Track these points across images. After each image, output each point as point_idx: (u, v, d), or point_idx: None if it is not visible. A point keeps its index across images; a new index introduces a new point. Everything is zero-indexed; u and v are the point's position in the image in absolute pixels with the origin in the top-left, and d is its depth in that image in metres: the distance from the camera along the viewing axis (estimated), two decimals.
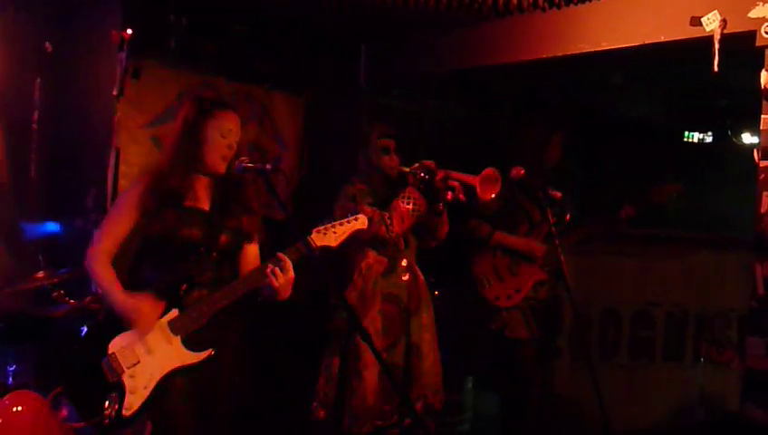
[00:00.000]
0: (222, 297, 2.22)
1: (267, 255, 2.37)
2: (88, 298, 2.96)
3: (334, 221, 2.35)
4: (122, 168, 3.71)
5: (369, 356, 2.90)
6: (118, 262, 2.29)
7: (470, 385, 4.10)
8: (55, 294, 2.86)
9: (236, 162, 2.29)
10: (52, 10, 3.90)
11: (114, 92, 3.64)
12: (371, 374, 2.94)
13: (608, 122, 5.31)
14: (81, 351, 2.30)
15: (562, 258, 3.04)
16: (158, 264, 2.28)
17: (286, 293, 2.28)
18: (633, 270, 4.17)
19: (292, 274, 2.25)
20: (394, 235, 2.96)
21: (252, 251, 2.41)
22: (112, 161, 3.70)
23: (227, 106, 2.38)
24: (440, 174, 2.98)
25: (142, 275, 2.29)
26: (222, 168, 2.29)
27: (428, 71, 4.13)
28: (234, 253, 2.36)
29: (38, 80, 4.05)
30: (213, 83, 4.03)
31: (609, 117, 5.33)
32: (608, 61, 3.56)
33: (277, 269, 2.22)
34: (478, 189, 2.95)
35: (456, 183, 2.98)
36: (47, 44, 4.05)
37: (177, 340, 2.19)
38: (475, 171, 3.00)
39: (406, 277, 3.12)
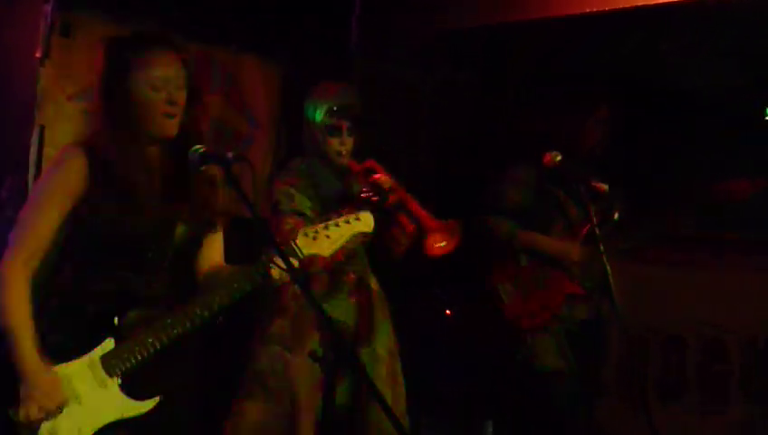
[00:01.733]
0: (176, 323, 2.08)
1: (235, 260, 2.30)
2: None
3: (328, 221, 2.20)
4: (47, 150, 3.67)
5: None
6: (41, 271, 2.15)
7: (490, 430, 4.10)
8: None
9: (191, 151, 2.10)
10: None
11: (37, 54, 3.67)
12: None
13: (666, 97, 5.29)
14: None
15: (608, 268, 3.03)
16: (88, 272, 2.14)
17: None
18: (702, 285, 4.12)
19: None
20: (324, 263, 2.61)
21: (215, 245, 2.31)
22: (34, 142, 3.69)
23: (154, 43, 2.17)
24: (392, 199, 2.89)
25: (64, 284, 2.15)
26: (168, 129, 2.14)
27: (436, 30, 4.13)
28: (192, 250, 2.27)
29: None
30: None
31: (667, 89, 5.30)
32: (663, 18, 3.56)
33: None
34: (428, 238, 2.92)
35: (405, 219, 2.93)
36: None
37: (114, 382, 2.06)
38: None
39: (353, 300, 3.05)
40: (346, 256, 2.96)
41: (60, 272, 2.18)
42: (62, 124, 3.75)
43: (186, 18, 3.97)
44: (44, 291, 2.13)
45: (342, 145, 3.00)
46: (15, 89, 3.81)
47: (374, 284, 3.14)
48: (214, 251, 2.32)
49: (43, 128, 3.71)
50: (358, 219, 2.21)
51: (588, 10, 3.54)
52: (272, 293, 2.96)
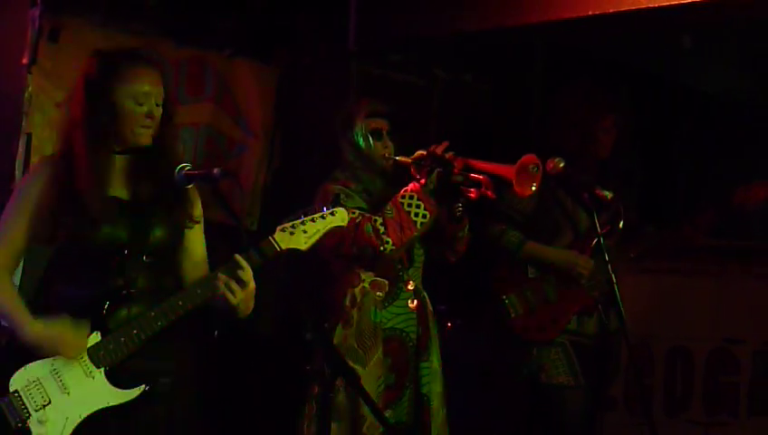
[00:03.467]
0: (160, 315, 2.21)
1: (221, 261, 2.36)
2: None
3: (304, 217, 2.32)
4: (34, 158, 3.68)
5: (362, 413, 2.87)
6: (24, 279, 2.39)
7: None
8: None
9: (176, 171, 2.28)
10: None
11: (24, 60, 3.68)
12: None
13: (678, 96, 5.27)
14: None
15: (614, 278, 3.03)
16: (73, 275, 2.27)
17: (248, 309, 2.29)
18: (710, 296, 4.15)
19: (252, 284, 2.25)
20: (390, 249, 2.92)
21: (196, 239, 2.42)
22: (21, 151, 3.71)
23: (141, 60, 2.34)
24: (458, 164, 2.94)
25: (54, 292, 2.29)
26: (144, 139, 2.28)
27: (441, 33, 4.13)
28: (171, 250, 2.37)
29: None
30: (155, 47, 4.05)
31: (680, 89, 5.27)
32: (678, 17, 3.56)
33: (232, 282, 2.21)
34: (515, 182, 2.91)
35: (481, 176, 2.95)
36: None
37: (101, 373, 2.19)
38: (498, 162, 2.99)
39: (413, 305, 3.10)
40: (406, 263, 3.08)
41: (50, 283, 2.31)
42: (49, 132, 3.74)
43: (178, 22, 4.02)
44: (34, 304, 2.27)
45: (386, 148, 3.08)
46: (1, 96, 3.84)
47: (426, 296, 3.20)
48: (195, 244, 2.43)
49: (29, 136, 3.74)
50: (333, 214, 2.35)
51: (591, 12, 3.54)
52: (330, 300, 3.06)
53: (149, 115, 2.26)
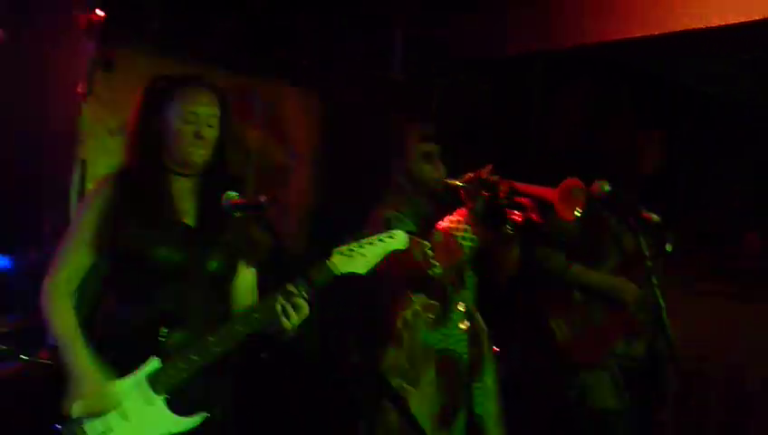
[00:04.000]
0: (218, 341, 2.22)
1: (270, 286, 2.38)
2: (43, 352, 3.02)
3: (361, 240, 2.32)
4: (89, 184, 3.82)
5: None
6: (85, 292, 2.33)
7: None
8: (4, 347, 2.98)
9: (224, 198, 2.29)
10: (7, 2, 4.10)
11: (80, 90, 3.83)
12: None
13: (720, 109, 5.14)
14: (31, 414, 2.36)
15: (662, 302, 3.01)
16: (130, 296, 2.29)
17: (296, 331, 2.30)
18: (761, 318, 4.06)
19: (306, 309, 2.26)
20: (439, 273, 2.90)
21: (247, 276, 2.44)
22: (76, 177, 3.84)
23: (192, 81, 2.38)
24: (504, 187, 2.93)
25: (108, 312, 2.31)
26: (194, 158, 2.30)
27: (487, 56, 4.16)
28: (227, 277, 2.39)
29: None
30: (207, 75, 4.15)
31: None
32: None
33: (289, 306, 2.23)
34: (557, 206, 2.90)
35: (525, 199, 2.95)
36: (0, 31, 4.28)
37: (161, 400, 2.20)
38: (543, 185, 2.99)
39: (465, 326, 3.11)
40: (457, 286, 3.08)
41: (104, 302, 2.33)
42: (103, 159, 3.90)
43: (225, 50, 4.13)
44: (91, 320, 2.30)
45: (437, 171, 3.10)
46: (58, 125, 3.99)
47: (480, 318, 3.21)
48: (247, 280, 2.44)
49: (84, 163, 3.88)
50: (391, 237, 2.36)
51: (638, 34, 3.57)
52: (381, 323, 3.07)
53: (198, 135, 2.28)
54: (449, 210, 3.02)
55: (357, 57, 4.47)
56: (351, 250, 2.30)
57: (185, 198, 2.35)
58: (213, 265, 2.32)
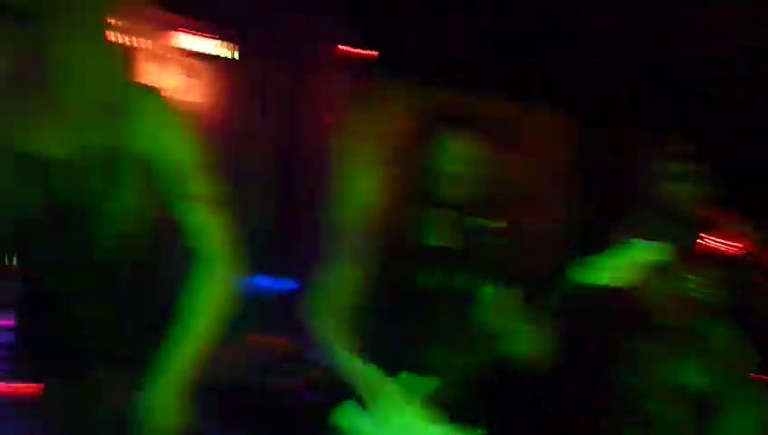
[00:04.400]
0: (475, 357, 2.32)
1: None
2: (320, 369, 3.33)
3: (615, 255, 2.32)
4: (347, 213, 4.09)
5: None
6: (349, 319, 2.46)
7: None
8: (286, 363, 3.29)
9: (479, 224, 2.38)
10: (276, 32, 4.51)
11: (340, 121, 4.16)
12: None
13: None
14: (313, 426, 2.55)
15: None
16: (393, 319, 2.42)
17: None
18: None
19: (550, 328, 2.30)
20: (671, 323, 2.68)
21: (502, 297, 2.47)
22: (335, 202, 4.13)
23: (458, 122, 2.48)
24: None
25: (375, 333, 2.44)
26: (459, 196, 2.39)
27: None
28: (484, 300, 2.44)
29: (264, 115, 4.75)
30: (459, 102, 4.31)
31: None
32: None
33: (539, 325, 2.27)
34: None
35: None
36: (274, 73, 4.71)
37: (422, 411, 2.31)
38: None
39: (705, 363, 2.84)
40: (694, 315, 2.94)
41: (371, 325, 2.42)
42: (362, 187, 4.15)
43: (478, 77, 4.21)
44: (359, 345, 2.39)
45: (688, 192, 2.90)
46: (320, 153, 4.32)
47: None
48: (502, 301, 2.46)
49: (344, 190, 4.16)
50: (645, 251, 2.32)
51: None
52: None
53: (463, 171, 2.37)
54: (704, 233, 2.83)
55: (608, 85, 4.39)
56: (607, 266, 2.29)
57: (446, 226, 2.45)
58: (471, 286, 2.41)
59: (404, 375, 2.34)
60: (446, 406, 2.33)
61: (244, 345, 3.43)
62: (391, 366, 2.35)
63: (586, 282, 2.30)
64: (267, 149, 4.74)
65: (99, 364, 1.76)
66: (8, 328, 2.10)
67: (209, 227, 1.81)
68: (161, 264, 1.87)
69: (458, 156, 2.38)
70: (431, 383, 2.33)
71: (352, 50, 4.12)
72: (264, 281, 4.57)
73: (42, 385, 1.78)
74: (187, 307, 1.79)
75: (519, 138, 4.42)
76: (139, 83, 1.77)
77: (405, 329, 2.39)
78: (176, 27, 4.19)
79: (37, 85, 1.66)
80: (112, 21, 1.72)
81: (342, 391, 2.42)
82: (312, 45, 4.40)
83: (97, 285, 1.73)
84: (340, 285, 2.46)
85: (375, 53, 4.08)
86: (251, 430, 3.65)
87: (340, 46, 4.16)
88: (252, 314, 3.82)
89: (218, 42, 4.26)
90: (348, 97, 4.15)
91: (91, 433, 1.77)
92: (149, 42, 3.85)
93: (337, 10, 4.06)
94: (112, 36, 1.72)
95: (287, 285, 4.65)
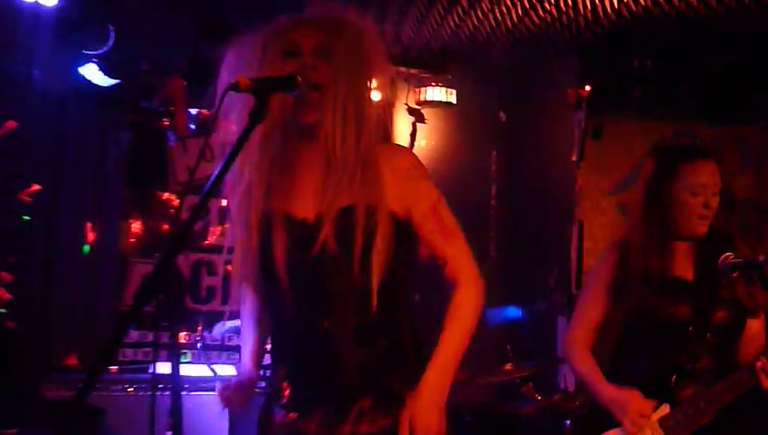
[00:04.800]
0: (726, 389, 2.21)
1: None
2: (557, 396, 3.33)
3: None
4: (587, 243, 4.12)
5: None
6: (598, 350, 2.47)
7: None
8: (524, 389, 3.28)
9: (721, 260, 2.27)
10: (507, 79, 4.71)
11: (574, 157, 4.16)
12: None
13: None
14: None
15: None
16: (641, 351, 2.38)
17: None
18: None
19: None
20: None
21: (755, 327, 2.38)
22: (575, 235, 4.15)
23: (697, 155, 2.40)
24: None
25: (625, 365, 2.41)
26: (701, 229, 2.33)
27: None
28: (734, 332, 2.35)
29: (493, 152, 4.98)
30: (690, 131, 4.16)
31: None
32: None
33: None
34: None
35: None
36: (501, 114, 4.94)
37: None
38: None
39: None
40: None
41: (620, 357, 2.45)
42: (598, 218, 4.15)
43: (710, 105, 4.10)
44: (610, 375, 2.40)
45: None
46: (556, 190, 4.36)
47: None
48: (755, 333, 2.38)
49: (581, 223, 4.15)
50: None
51: None
52: None
53: (706, 205, 2.32)
54: None
55: None
56: None
57: (683, 257, 2.39)
58: (719, 315, 2.32)
59: (658, 406, 2.28)
60: None
61: (492, 371, 3.55)
62: (646, 396, 2.29)
63: None
64: (497, 184, 4.98)
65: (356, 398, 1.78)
66: None
67: (460, 255, 1.85)
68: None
69: (699, 187, 2.33)
70: (682, 414, 2.25)
71: (581, 91, 4.23)
72: (509, 310, 4.76)
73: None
74: (446, 328, 1.80)
75: (762, 161, 4.28)
76: (389, 144, 1.93)
77: (656, 362, 2.33)
78: (406, 79, 4.48)
79: (308, 153, 1.78)
80: (369, 90, 1.81)
81: (580, 418, 2.52)
82: (546, 91, 4.53)
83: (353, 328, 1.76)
84: (590, 322, 2.46)
85: (600, 92, 4.15)
86: None
87: (569, 89, 4.28)
88: (500, 341, 4.00)
89: (444, 89, 4.53)
90: (580, 134, 4.23)
91: None
92: (391, 97, 4.23)
93: (562, 51, 4.21)
94: (368, 96, 1.81)
95: (519, 313, 4.79)
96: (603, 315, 2.42)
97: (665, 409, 2.26)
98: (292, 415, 1.83)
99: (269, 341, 1.97)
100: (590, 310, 2.45)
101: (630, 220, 2.52)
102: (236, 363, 1.84)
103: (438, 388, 1.77)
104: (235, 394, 1.87)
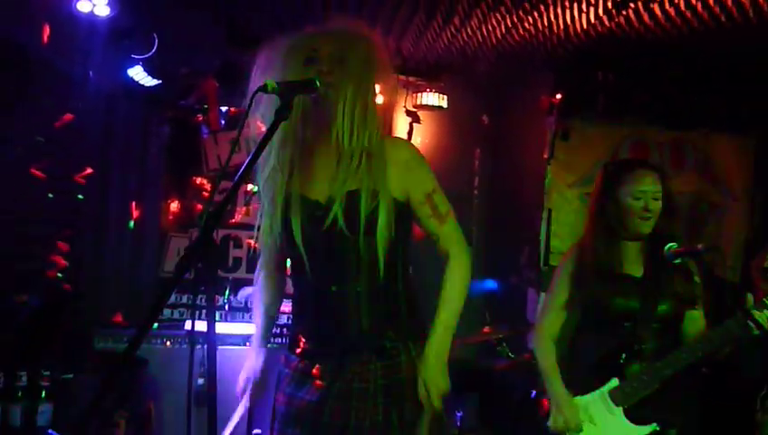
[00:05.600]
0: (666, 365, 2.21)
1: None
2: (527, 354, 3.32)
3: None
4: (554, 227, 4.11)
5: None
6: (561, 333, 2.45)
7: None
8: (499, 348, 3.35)
9: (665, 249, 2.25)
10: (491, 87, 4.69)
11: (545, 155, 4.14)
12: None
13: None
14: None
15: None
16: (595, 334, 2.36)
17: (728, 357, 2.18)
18: None
19: (731, 346, 2.16)
20: None
21: (695, 317, 2.36)
22: (544, 221, 4.13)
23: (639, 165, 2.39)
24: None
25: (582, 345, 2.40)
26: (644, 229, 2.30)
27: None
28: (675, 320, 2.34)
29: (477, 150, 4.97)
30: (643, 134, 4.15)
31: None
32: None
33: (725, 343, 2.15)
34: None
35: None
36: (484, 118, 4.93)
37: (619, 411, 2.26)
38: None
39: None
40: None
41: (578, 340, 2.42)
42: (563, 207, 4.14)
43: (661, 112, 4.07)
44: (569, 355, 2.41)
45: None
46: (529, 183, 4.35)
47: None
48: (695, 322, 2.36)
49: (550, 210, 4.15)
50: None
51: None
52: None
53: (646, 208, 2.29)
54: None
55: None
56: None
57: (633, 256, 2.37)
58: (661, 308, 2.30)
59: (608, 380, 2.29)
60: (641, 404, 2.25)
61: (472, 333, 3.54)
62: (598, 372, 2.31)
63: None
64: (480, 177, 4.97)
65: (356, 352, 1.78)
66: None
67: (451, 235, 1.85)
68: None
69: (639, 192, 2.30)
70: (629, 386, 2.25)
71: (552, 99, 4.20)
72: (488, 283, 4.75)
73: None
74: (442, 297, 1.82)
75: (703, 161, 4.20)
76: (394, 138, 1.93)
77: (607, 345, 2.32)
78: (405, 86, 4.46)
79: (322, 144, 1.78)
80: (373, 87, 1.81)
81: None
82: (523, 99, 4.49)
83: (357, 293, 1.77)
84: (554, 317, 2.43)
85: (569, 99, 4.13)
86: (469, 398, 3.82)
87: (543, 97, 4.26)
88: (480, 308, 4.01)
89: (437, 94, 4.52)
90: (550, 136, 4.14)
91: None
92: (393, 100, 4.21)
93: (538, 64, 4.19)
94: (374, 98, 1.80)
95: (496, 285, 4.80)
96: (567, 303, 2.41)
97: (614, 382, 2.28)
98: (303, 363, 1.85)
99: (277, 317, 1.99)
100: (555, 298, 2.43)
101: (585, 224, 2.47)
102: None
103: (442, 350, 1.80)
104: (255, 391, 1.93)
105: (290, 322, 1.99)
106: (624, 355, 2.27)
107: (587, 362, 2.32)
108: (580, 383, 2.32)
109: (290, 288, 1.95)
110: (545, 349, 2.40)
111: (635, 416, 2.25)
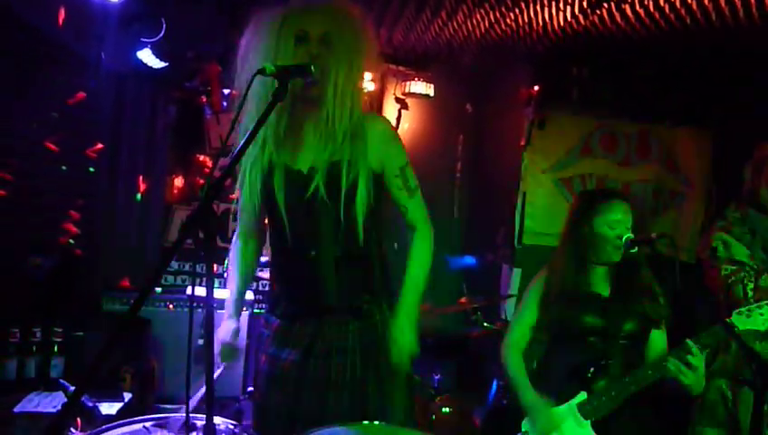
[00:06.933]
0: (632, 382, 2.14)
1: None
2: (499, 323, 3.38)
3: (761, 301, 2.03)
4: (528, 209, 4.14)
5: None
6: (530, 349, 2.41)
7: None
8: (474, 317, 3.39)
9: (624, 239, 2.20)
10: (474, 78, 4.69)
11: (522, 142, 4.17)
12: None
13: None
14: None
15: None
16: (565, 350, 2.29)
17: (699, 387, 2.09)
18: None
19: (702, 369, 2.06)
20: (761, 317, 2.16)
21: (659, 338, 2.30)
22: (520, 202, 4.17)
23: (613, 196, 2.33)
24: None
25: (551, 361, 2.34)
26: (616, 257, 2.25)
27: None
28: (640, 339, 2.27)
29: (460, 136, 4.98)
30: (612, 126, 4.20)
31: None
32: None
33: (683, 366, 2.06)
34: None
35: None
36: (468, 106, 4.93)
37: (587, 424, 2.19)
38: None
39: None
40: None
41: (548, 356, 2.36)
42: (538, 190, 4.18)
43: (629, 106, 4.10)
44: (539, 370, 2.36)
45: None
46: (507, 167, 4.37)
47: None
48: (658, 344, 2.30)
49: (525, 193, 4.18)
50: None
51: None
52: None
53: (619, 237, 2.23)
54: None
55: (741, 99, 4.13)
56: (750, 311, 2.04)
57: (600, 278, 2.32)
58: (627, 326, 2.25)
59: (576, 394, 2.22)
60: (608, 418, 2.18)
61: (450, 304, 3.52)
62: (566, 386, 2.24)
63: (740, 326, 2.05)
64: (462, 161, 4.98)
65: (334, 313, 1.79)
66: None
67: (417, 208, 1.86)
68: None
69: (614, 221, 2.24)
70: (596, 400, 2.18)
71: (530, 91, 4.21)
72: (466, 258, 4.79)
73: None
74: (409, 266, 1.83)
75: (665, 152, 4.24)
76: (372, 115, 1.84)
77: (575, 359, 2.25)
78: (394, 75, 4.47)
79: (310, 119, 1.78)
80: (361, 73, 1.80)
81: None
82: (502, 90, 4.49)
83: (335, 258, 1.77)
84: (521, 332, 2.37)
85: (546, 91, 4.14)
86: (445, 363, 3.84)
87: (521, 89, 4.26)
88: (458, 281, 4.02)
89: (424, 83, 4.50)
90: (527, 125, 4.14)
91: None
92: (379, 85, 4.19)
93: (518, 58, 4.18)
94: (360, 83, 1.80)
95: (474, 261, 4.84)
96: (535, 322, 2.35)
97: (582, 396, 2.22)
98: (284, 324, 1.86)
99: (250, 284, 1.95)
100: (524, 318, 2.39)
101: (557, 249, 2.39)
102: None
103: (411, 313, 1.80)
104: (227, 352, 1.92)
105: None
106: (592, 370, 2.21)
107: (556, 376, 2.27)
108: (549, 396, 2.27)
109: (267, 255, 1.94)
110: (514, 361, 2.36)
111: (602, 430, 2.18)
